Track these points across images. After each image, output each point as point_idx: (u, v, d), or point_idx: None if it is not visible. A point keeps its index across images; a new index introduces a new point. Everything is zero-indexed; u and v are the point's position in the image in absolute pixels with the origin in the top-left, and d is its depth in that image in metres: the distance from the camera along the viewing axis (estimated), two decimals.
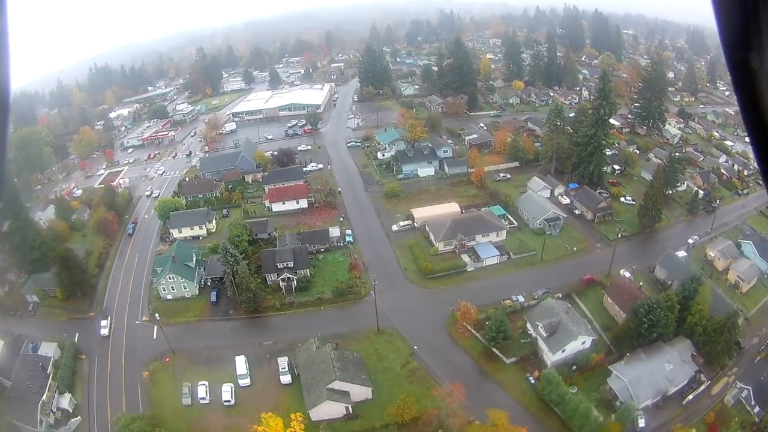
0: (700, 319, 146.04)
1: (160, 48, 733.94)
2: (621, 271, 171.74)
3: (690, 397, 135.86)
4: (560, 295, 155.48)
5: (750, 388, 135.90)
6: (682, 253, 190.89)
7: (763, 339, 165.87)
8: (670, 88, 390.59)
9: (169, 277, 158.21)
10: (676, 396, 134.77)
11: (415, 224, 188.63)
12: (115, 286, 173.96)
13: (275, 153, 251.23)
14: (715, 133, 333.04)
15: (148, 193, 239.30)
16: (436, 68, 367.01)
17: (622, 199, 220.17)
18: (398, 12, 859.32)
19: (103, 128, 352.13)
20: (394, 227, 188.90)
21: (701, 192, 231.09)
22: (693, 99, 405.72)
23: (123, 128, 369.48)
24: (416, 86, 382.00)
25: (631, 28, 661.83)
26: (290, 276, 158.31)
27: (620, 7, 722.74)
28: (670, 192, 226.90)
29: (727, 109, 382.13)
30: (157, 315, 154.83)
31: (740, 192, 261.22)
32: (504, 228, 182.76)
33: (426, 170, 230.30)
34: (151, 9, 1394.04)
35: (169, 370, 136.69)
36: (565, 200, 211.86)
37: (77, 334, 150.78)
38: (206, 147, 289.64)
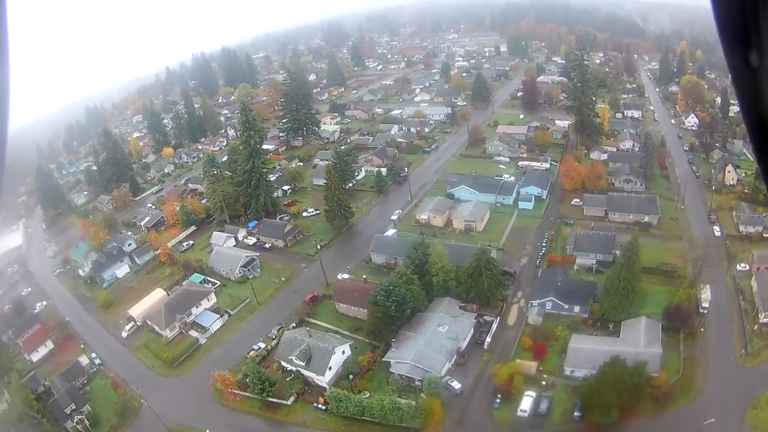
0: (447, 273, 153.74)
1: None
2: (339, 276, 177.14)
3: (488, 339, 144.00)
4: (294, 324, 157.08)
5: (537, 300, 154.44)
6: (391, 231, 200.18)
7: (531, 256, 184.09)
8: (315, 89, 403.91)
9: None
10: (475, 346, 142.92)
11: (138, 323, 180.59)
12: None
13: None
14: (378, 110, 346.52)
15: None
16: (95, 167, 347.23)
17: (305, 213, 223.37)
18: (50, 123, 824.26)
19: None
20: (124, 333, 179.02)
21: (383, 170, 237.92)
22: (342, 89, 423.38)
23: None
24: (85, 192, 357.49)
25: (261, 51, 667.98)
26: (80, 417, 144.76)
27: (249, 35, 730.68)
28: (351, 184, 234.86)
29: (385, 82, 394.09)
30: None
31: (427, 150, 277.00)
32: (209, 291, 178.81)
33: (122, 269, 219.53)
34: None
35: None
36: (251, 240, 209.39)
37: None
38: None
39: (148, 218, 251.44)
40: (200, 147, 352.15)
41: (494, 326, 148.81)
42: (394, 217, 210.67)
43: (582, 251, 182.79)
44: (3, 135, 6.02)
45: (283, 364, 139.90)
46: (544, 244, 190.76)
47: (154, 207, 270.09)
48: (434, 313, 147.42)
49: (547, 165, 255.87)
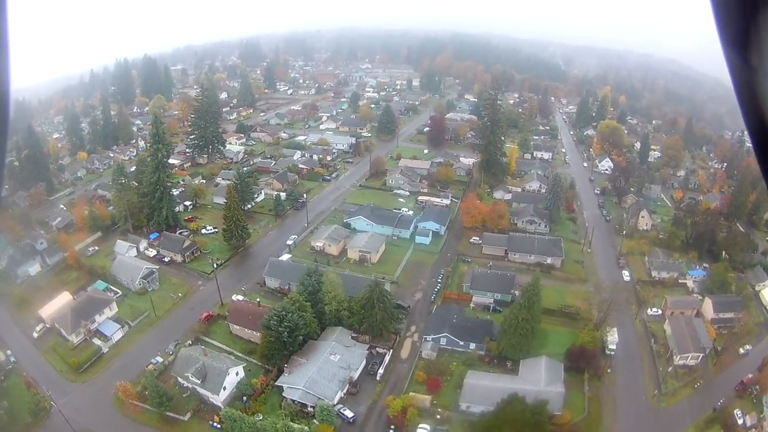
0: (340, 303, 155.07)
1: None
2: (233, 297, 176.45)
3: (380, 371, 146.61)
4: (190, 342, 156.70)
5: (432, 335, 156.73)
6: (286, 256, 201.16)
7: (426, 291, 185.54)
8: (225, 108, 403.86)
9: None
10: (368, 376, 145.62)
11: (47, 324, 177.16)
12: None
13: None
14: (283, 134, 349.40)
15: None
16: (17, 163, 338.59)
17: (204, 230, 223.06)
18: None
19: None
20: (35, 334, 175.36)
21: (282, 195, 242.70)
22: (251, 110, 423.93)
23: None
24: (6, 186, 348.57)
25: (180, 63, 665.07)
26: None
27: (170, 45, 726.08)
28: (250, 206, 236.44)
29: (293, 107, 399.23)
30: None
31: (328, 178, 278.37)
32: (111, 300, 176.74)
33: (34, 267, 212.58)
34: None
35: None
36: (152, 252, 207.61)
37: None
38: None
39: (59, 219, 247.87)
40: (112, 155, 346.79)
41: (387, 358, 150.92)
42: (289, 242, 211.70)
43: (479, 290, 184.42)
44: (3, 136, 6.29)
45: (180, 380, 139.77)
46: (439, 280, 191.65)
47: (65, 209, 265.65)
48: (326, 341, 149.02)
49: (447, 201, 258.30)
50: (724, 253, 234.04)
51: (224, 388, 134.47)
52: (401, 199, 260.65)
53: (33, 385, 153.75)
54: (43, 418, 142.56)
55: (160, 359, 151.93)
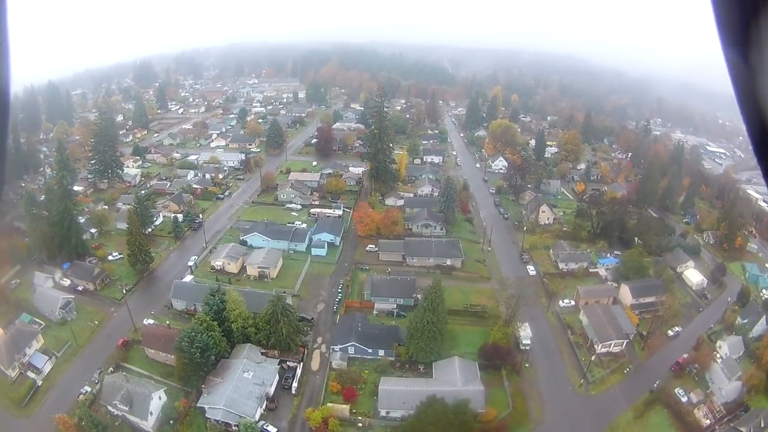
0: (245, 320, 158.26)
1: None
2: (144, 321, 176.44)
3: (294, 384, 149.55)
4: (112, 369, 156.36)
5: (339, 345, 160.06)
6: (189, 277, 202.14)
7: (328, 302, 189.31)
8: (121, 131, 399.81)
9: None
10: (283, 391, 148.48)
11: None
12: None
13: None
14: (176, 155, 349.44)
15: None
16: None
17: (110, 257, 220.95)
18: None
19: None
20: None
21: (179, 216, 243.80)
22: (146, 132, 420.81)
23: None
24: None
25: (80, 87, 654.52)
26: None
27: (71, 69, 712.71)
28: (150, 230, 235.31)
29: (185, 126, 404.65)
30: None
31: (221, 196, 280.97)
32: (37, 332, 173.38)
33: None
34: None
35: None
36: (66, 282, 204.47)
37: None
38: None
39: None
40: (23, 185, 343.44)
41: (299, 371, 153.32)
42: (190, 263, 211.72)
43: (380, 296, 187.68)
44: (3, 135, 6.54)
45: (110, 408, 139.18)
46: (339, 290, 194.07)
47: None
48: (238, 359, 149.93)
49: (340, 212, 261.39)
50: (636, 239, 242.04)
51: (151, 413, 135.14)
52: (294, 213, 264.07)
53: None
54: None
55: (88, 389, 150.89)
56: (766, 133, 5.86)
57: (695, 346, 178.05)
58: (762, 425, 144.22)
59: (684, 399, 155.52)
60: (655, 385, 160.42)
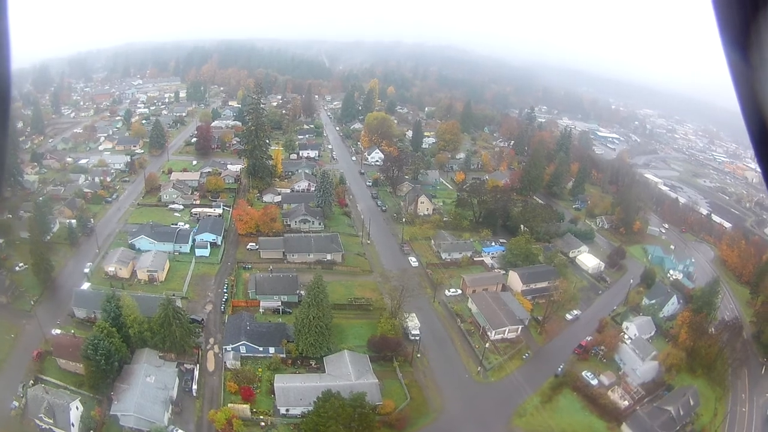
0: (140, 325, 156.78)
1: None
2: (53, 331, 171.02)
3: (194, 386, 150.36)
4: (32, 382, 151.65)
5: (231, 345, 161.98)
6: (86, 285, 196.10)
7: (215, 302, 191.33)
8: (21, 137, 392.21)
9: None
10: (185, 394, 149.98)
11: None
12: None
13: None
14: (69, 159, 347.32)
15: None
16: None
17: (17, 268, 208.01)
18: None
19: None
20: None
21: (73, 222, 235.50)
22: (42, 137, 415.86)
23: None
24: None
25: None
26: None
27: None
28: (49, 237, 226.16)
29: (76, 130, 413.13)
30: None
31: (109, 199, 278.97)
32: None
33: None
34: None
35: None
36: None
37: None
38: None
39: None
40: None
41: (196, 373, 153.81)
42: (86, 270, 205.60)
43: (265, 294, 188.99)
44: (3, 134, 6.54)
45: (37, 422, 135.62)
46: (225, 290, 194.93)
47: None
48: (139, 364, 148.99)
49: (219, 211, 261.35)
50: (522, 226, 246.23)
51: (73, 425, 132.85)
52: (177, 214, 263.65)
53: None
54: None
55: (16, 403, 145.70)
56: (766, 133, 6.00)
57: (599, 329, 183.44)
58: (692, 403, 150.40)
59: (594, 382, 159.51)
60: (560, 369, 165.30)
